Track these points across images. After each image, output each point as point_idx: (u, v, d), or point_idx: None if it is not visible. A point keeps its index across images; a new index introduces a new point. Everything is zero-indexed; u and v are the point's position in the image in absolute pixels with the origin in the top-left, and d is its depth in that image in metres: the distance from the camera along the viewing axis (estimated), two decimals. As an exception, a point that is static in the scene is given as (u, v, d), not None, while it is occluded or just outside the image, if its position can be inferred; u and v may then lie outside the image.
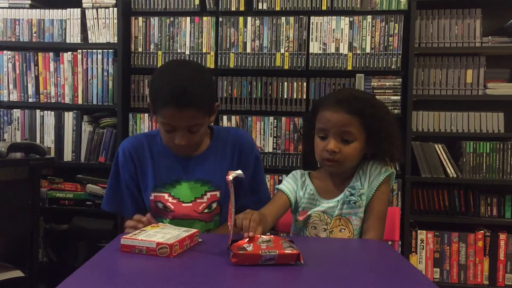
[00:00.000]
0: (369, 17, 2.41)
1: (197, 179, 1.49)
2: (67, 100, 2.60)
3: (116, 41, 2.52)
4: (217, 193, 1.49)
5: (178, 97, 1.34)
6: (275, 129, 2.47)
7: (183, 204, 1.47)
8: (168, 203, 1.47)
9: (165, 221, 1.48)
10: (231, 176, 1.13)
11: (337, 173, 1.44)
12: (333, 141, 1.35)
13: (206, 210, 1.48)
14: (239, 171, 1.15)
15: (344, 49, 2.43)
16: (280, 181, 2.42)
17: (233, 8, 2.47)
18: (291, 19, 2.45)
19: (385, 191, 1.42)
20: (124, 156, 1.51)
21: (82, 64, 2.58)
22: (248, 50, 2.48)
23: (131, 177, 1.51)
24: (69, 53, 2.59)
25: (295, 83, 2.46)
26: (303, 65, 2.45)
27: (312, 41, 2.44)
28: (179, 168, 1.49)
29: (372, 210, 1.40)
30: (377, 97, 2.37)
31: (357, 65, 2.42)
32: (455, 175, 2.41)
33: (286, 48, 2.45)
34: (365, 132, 1.36)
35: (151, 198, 1.49)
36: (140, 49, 2.55)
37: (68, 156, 2.59)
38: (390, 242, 1.52)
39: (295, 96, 2.46)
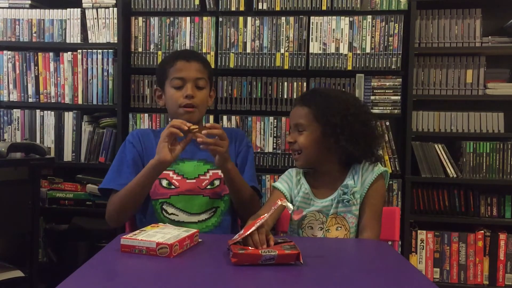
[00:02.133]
0: (369, 17, 2.41)
1: (199, 159, 1.61)
2: (67, 100, 2.59)
3: (116, 41, 2.52)
4: (219, 172, 1.58)
5: (186, 52, 1.74)
6: (275, 129, 2.47)
7: (187, 181, 1.58)
8: (173, 180, 1.58)
9: (168, 200, 1.55)
10: (280, 203, 1.15)
11: (329, 172, 1.46)
12: (291, 133, 1.49)
13: (209, 186, 1.59)
14: (290, 206, 1.17)
15: (344, 49, 2.43)
16: (280, 181, 2.42)
17: (233, 8, 2.47)
18: (291, 19, 2.45)
19: (378, 189, 1.44)
20: (133, 137, 1.65)
21: (82, 64, 2.58)
22: (248, 50, 2.47)
23: (139, 155, 1.62)
24: (69, 53, 2.59)
25: (295, 83, 2.46)
26: (303, 65, 2.45)
27: (312, 41, 2.44)
28: (186, 147, 1.53)
29: (367, 208, 1.41)
30: (377, 97, 2.41)
31: (357, 65, 2.42)
32: (455, 175, 2.41)
33: (286, 48, 2.45)
34: (317, 122, 1.41)
35: None
36: (140, 49, 2.55)
37: (68, 156, 2.59)
38: (390, 242, 1.53)
39: (295, 96, 2.45)
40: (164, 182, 1.58)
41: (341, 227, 1.42)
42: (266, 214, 1.14)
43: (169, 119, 1.62)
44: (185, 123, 1.41)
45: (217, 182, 1.61)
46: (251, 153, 1.73)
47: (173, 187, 1.58)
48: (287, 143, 1.49)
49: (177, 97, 1.59)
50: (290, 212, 1.22)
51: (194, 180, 1.58)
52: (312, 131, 1.41)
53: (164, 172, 1.53)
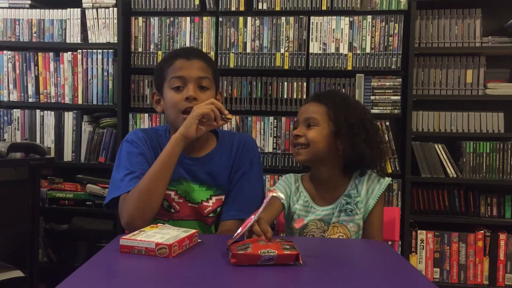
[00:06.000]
0: (369, 17, 2.41)
1: (202, 181, 1.45)
2: (67, 100, 2.59)
3: (116, 41, 2.52)
4: (223, 198, 1.47)
5: (186, 50, 1.55)
6: (275, 129, 2.47)
7: (189, 204, 1.45)
8: (173, 203, 1.44)
9: (167, 223, 1.44)
10: (271, 194, 1.14)
11: (329, 179, 1.45)
12: (299, 127, 1.44)
13: (211, 214, 1.46)
14: (282, 195, 1.18)
15: (344, 49, 2.43)
16: (280, 181, 2.42)
17: (233, 8, 2.47)
18: (291, 19, 2.45)
19: (383, 199, 1.47)
20: (138, 138, 1.44)
21: (82, 64, 2.58)
22: (248, 50, 2.47)
23: (149, 155, 1.43)
24: (69, 53, 2.59)
25: (295, 83, 2.46)
26: (303, 65, 2.45)
27: (312, 41, 2.44)
28: (185, 167, 1.45)
29: (376, 219, 1.43)
30: (377, 97, 2.41)
31: (357, 65, 2.42)
32: (455, 175, 2.41)
33: (286, 48, 2.45)
34: (331, 121, 1.41)
35: None
36: (140, 49, 2.55)
37: (68, 156, 2.59)
38: (390, 242, 1.53)
39: (295, 96, 2.45)
40: (165, 204, 1.43)
41: (342, 235, 1.42)
42: (259, 209, 1.14)
43: (169, 127, 1.49)
44: (224, 109, 1.32)
45: (219, 209, 1.47)
46: (255, 171, 1.48)
47: (173, 210, 1.44)
48: (294, 135, 1.43)
49: (177, 100, 1.37)
50: (282, 201, 1.22)
51: (197, 206, 1.44)
52: (324, 128, 1.40)
53: (166, 192, 1.37)
